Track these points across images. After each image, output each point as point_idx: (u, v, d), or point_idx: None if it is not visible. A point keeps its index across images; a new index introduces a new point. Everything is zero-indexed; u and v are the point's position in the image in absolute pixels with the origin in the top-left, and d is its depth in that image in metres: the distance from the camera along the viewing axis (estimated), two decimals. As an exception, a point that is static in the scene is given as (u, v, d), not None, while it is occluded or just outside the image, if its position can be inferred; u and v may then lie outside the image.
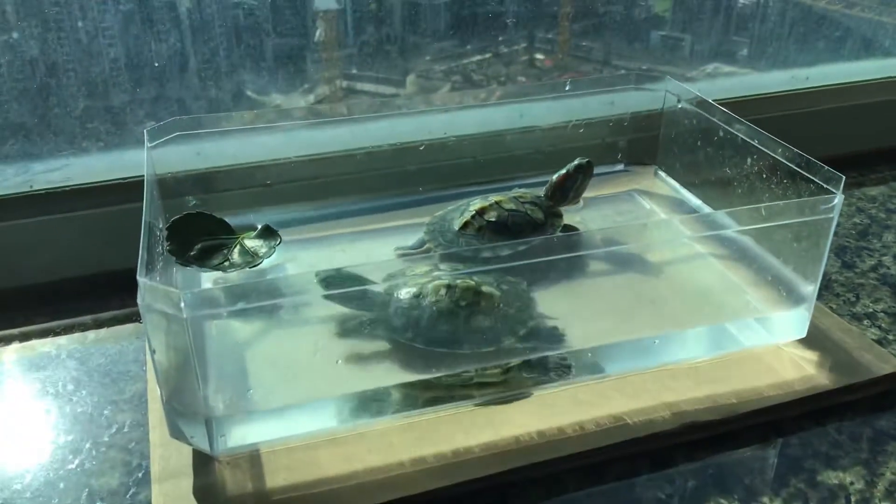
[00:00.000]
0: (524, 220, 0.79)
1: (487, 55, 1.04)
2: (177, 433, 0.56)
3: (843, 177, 0.64)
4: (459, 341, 0.65)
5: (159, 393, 0.55)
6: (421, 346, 0.64)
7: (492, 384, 0.64)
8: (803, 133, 1.03)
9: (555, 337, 0.67)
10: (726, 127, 0.78)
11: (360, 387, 0.60)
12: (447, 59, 1.02)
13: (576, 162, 0.84)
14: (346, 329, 0.64)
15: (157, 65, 0.83)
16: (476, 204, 0.80)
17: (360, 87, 0.99)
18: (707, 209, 0.85)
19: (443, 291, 0.66)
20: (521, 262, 0.61)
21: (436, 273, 0.68)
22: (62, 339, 0.75)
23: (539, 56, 1.07)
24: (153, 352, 0.53)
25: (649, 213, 0.87)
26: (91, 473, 0.60)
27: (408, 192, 0.88)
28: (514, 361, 0.65)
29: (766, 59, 1.10)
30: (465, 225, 0.78)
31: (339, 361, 0.60)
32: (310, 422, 0.59)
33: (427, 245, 0.79)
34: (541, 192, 0.84)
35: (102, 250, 0.81)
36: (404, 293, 0.67)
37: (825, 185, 0.66)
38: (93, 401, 0.68)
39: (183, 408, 0.54)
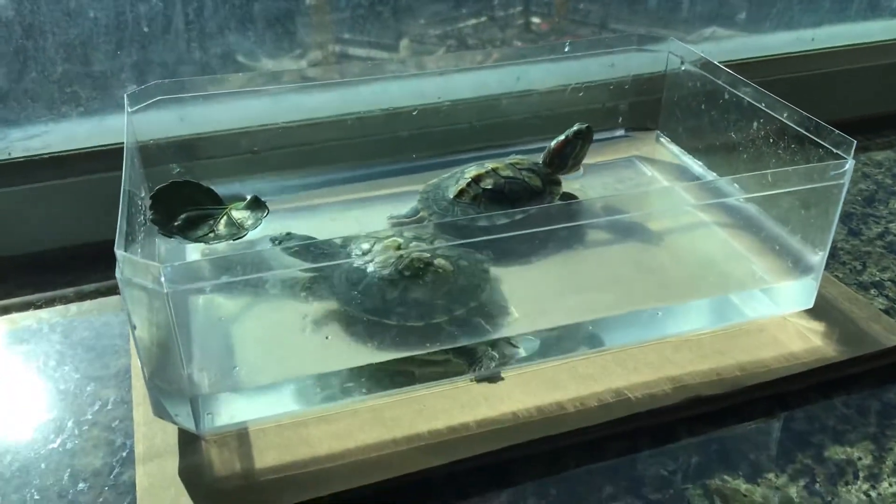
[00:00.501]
0: (521, 188, 0.76)
1: (483, 18, 1.00)
2: (161, 412, 0.54)
3: (854, 141, 0.62)
4: (389, 311, 0.61)
5: (141, 370, 0.52)
6: (353, 312, 0.61)
7: (433, 363, 0.61)
8: (808, 96, 1.00)
9: (481, 329, 0.63)
10: (731, 89, 0.75)
11: (350, 363, 0.58)
12: (442, 22, 0.98)
13: (575, 128, 0.81)
14: (300, 287, 0.62)
15: (139, 26, 0.79)
16: (471, 171, 0.77)
17: (352, 52, 0.95)
18: (711, 176, 0.82)
19: (392, 257, 0.64)
20: (518, 233, 0.58)
21: (397, 239, 0.65)
22: (43, 313, 0.73)
23: (535, 20, 1.04)
24: (133, 328, 0.50)
25: (651, 180, 0.84)
26: (73, 453, 0.58)
27: (401, 158, 0.86)
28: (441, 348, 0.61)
29: (771, 20, 1.07)
30: (461, 193, 0.75)
31: (329, 337, 0.58)
32: (299, 399, 0.57)
33: (421, 213, 0.76)
34: (538, 158, 0.81)
35: (85, 220, 0.79)
36: (355, 253, 0.64)
37: (835, 150, 0.63)
38: (75, 377, 0.65)
39: (166, 386, 0.52)
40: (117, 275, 0.49)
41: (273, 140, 0.82)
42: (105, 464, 0.57)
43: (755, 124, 0.73)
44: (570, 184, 0.82)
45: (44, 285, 0.76)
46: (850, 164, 0.60)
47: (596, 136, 0.89)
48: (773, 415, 0.62)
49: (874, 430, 0.61)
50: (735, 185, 0.63)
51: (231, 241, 0.70)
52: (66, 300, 0.74)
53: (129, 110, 0.71)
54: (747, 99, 0.73)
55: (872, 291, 0.75)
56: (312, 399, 0.57)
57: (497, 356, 0.61)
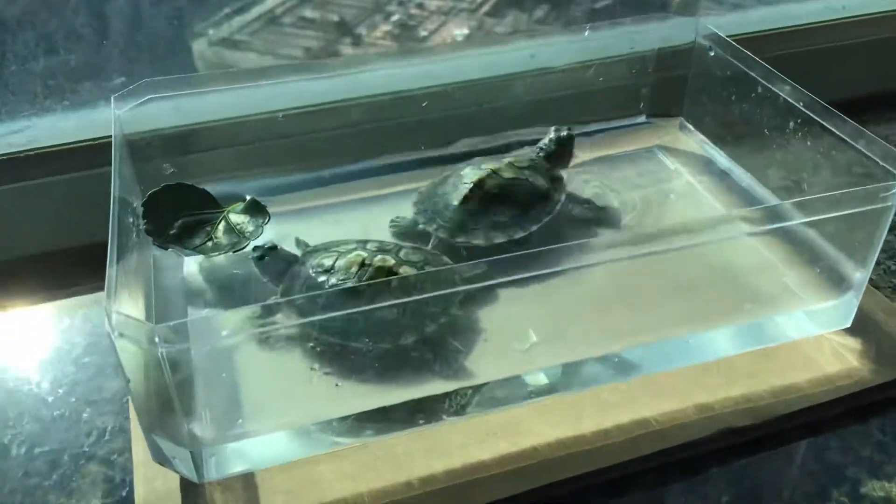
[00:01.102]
0: (528, 189, 0.71)
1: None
2: (160, 459, 0.51)
3: (904, 154, 0.57)
4: (355, 333, 0.56)
5: (139, 421, 0.49)
6: (314, 336, 0.57)
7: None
8: (838, 69, 0.95)
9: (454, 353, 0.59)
10: (766, 84, 0.70)
11: (360, 408, 0.54)
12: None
13: (564, 133, 0.76)
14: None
15: (123, 12, 0.74)
16: (471, 175, 0.72)
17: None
18: (737, 170, 0.77)
19: (354, 269, 0.60)
20: (529, 250, 0.53)
21: (361, 254, 0.62)
22: (31, 322, 0.69)
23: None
24: (128, 381, 0.47)
25: (674, 173, 0.79)
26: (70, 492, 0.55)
27: (408, 150, 0.80)
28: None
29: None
30: (466, 199, 0.70)
31: (339, 385, 0.54)
32: (306, 445, 0.53)
33: (421, 226, 0.70)
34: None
35: (74, 221, 0.74)
36: (314, 267, 0.62)
37: (881, 163, 0.58)
38: (70, 402, 0.62)
39: (165, 437, 0.49)
40: (107, 328, 0.44)
41: (272, 130, 0.77)
42: (104, 506, 0.54)
43: (791, 124, 0.68)
44: (587, 178, 0.78)
45: (28, 294, 0.72)
46: (899, 183, 0.56)
47: (616, 124, 0.84)
48: (808, 444, 0.59)
49: (914, 461, 0.58)
50: (794, 209, 0.57)
51: (231, 253, 0.66)
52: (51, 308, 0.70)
53: (118, 112, 0.65)
54: (783, 96, 0.68)
55: (909, 297, 0.71)
56: (320, 444, 0.54)
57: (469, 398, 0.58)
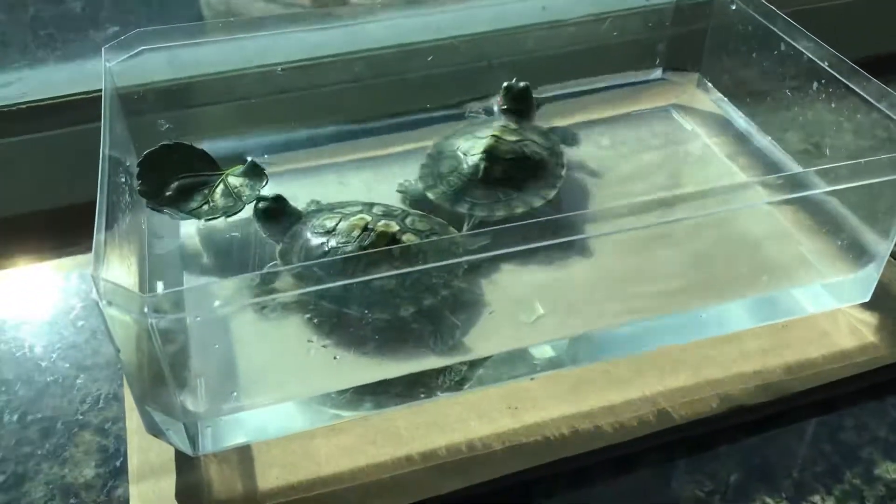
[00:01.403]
0: (539, 150, 0.68)
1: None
2: (154, 430, 0.49)
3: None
4: (352, 301, 0.54)
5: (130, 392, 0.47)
6: (312, 305, 0.55)
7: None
8: (864, 24, 0.91)
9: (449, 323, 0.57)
10: (789, 40, 0.66)
11: (359, 380, 0.52)
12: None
13: (520, 84, 0.73)
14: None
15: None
16: (477, 145, 0.68)
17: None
18: (756, 132, 0.74)
19: (355, 233, 0.58)
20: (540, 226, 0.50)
21: (365, 217, 0.60)
22: (25, 283, 0.67)
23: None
24: (117, 350, 0.45)
25: (690, 135, 0.76)
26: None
27: (414, 107, 0.77)
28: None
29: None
30: (486, 171, 0.66)
31: (337, 357, 0.52)
32: (304, 418, 0.52)
33: (433, 198, 0.67)
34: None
35: (71, 177, 0.71)
36: (315, 228, 0.59)
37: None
38: (64, 367, 0.60)
39: (158, 410, 0.47)
40: (94, 297, 0.43)
41: (272, 84, 0.74)
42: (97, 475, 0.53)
43: (815, 84, 0.65)
44: (599, 139, 0.75)
45: (25, 252, 0.70)
46: (930, 151, 0.53)
47: (631, 79, 0.81)
48: (821, 422, 0.57)
49: (930, 442, 0.56)
50: (816, 177, 0.54)
51: (226, 218, 0.64)
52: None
53: (109, 65, 0.63)
54: (807, 54, 0.64)
55: (929, 267, 0.68)
56: (319, 417, 0.52)
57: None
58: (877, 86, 0.59)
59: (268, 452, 0.52)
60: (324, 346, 0.53)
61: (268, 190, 0.65)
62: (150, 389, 0.46)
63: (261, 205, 0.63)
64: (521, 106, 0.73)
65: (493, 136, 0.67)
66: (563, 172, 0.68)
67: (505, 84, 0.73)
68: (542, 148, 0.69)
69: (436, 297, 0.56)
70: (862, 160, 0.52)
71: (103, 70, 0.62)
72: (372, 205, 0.63)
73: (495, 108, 0.75)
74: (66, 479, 0.53)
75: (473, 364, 0.55)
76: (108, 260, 0.47)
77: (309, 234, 0.60)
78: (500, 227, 0.49)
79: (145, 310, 0.41)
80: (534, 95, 0.75)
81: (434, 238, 0.60)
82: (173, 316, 0.42)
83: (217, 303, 0.43)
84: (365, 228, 0.59)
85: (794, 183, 0.56)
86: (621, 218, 0.53)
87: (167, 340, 0.43)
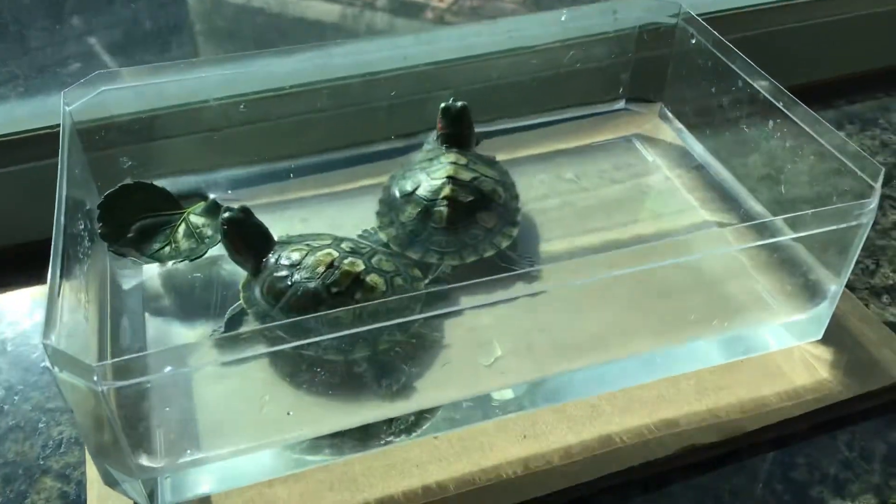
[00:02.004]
0: (492, 183, 0.68)
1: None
2: (112, 483, 0.50)
3: (882, 168, 0.55)
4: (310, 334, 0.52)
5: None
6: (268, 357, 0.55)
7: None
8: (827, 47, 0.92)
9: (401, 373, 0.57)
10: (746, 79, 0.67)
11: (314, 433, 0.53)
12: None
13: (458, 105, 0.71)
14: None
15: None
16: (434, 187, 0.66)
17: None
18: (714, 164, 0.75)
19: (320, 269, 0.58)
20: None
21: (332, 253, 0.60)
22: (-9, 326, 0.67)
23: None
24: (71, 411, 0.45)
25: (651, 167, 0.77)
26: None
27: (378, 139, 0.78)
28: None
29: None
30: (451, 219, 0.65)
31: (290, 413, 0.52)
32: (261, 471, 0.52)
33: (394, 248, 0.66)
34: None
35: (28, 214, 0.71)
36: (282, 258, 0.60)
37: (860, 173, 0.56)
38: (25, 410, 0.60)
39: (114, 466, 0.48)
40: (47, 363, 0.43)
41: (233, 118, 0.74)
42: (57, 526, 0.54)
43: (771, 123, 0.66)
44: (561, 171, 0.76)
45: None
46: (875, 200, 0.54)
47: (595, 110, 0.82)
48: (773, 459, 0.58)
49: (877, 479, 0.57)
50: (782, 224, 0.55)
51: (189, 261, 0.64)
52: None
53: (68, 108, 0.63)
54: (764, 93, 0.65)
55: (885, 298, 0.70)
56: (277, 467, 0.53)
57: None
58: (833, 134, 0.60)
59: (227, 500, 0.52)
60: (277, 402, 0.53)
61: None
62: (105, 449, 0.46)
63: (226, 214, 0.61)
64: (459, 129, 0.71)
65: (448, 177, 0.66)
66: (520, 205, 0.69)
67: (442, 105, 0.72)
68: (495, 181, 0.68)
69: (390, 343, 0.57)
70: (812, 210, 0.54)
71: (62, 113, 0.62)
72: (342, 240, 0.63)
73: (433, 136, 0.73)
74: (27, 528, 0.53)
75: (430, 409, 0.56)
76: (65, 310, 0.47)
77: (274, 265, 0.60)
78: (464, 284, 0.49)
79: (95, 378, 0.42)
80: (501, 126, 0.76)
81: (398, 279, 0.60)
82: (123, 383, 0.42)
83: (168, 368, 0.43)
84: (330, 265, 0.59)
85: (750, 232, 0.57)
86: (589, 269, 0.53)
87: (120, 404, 0.43)
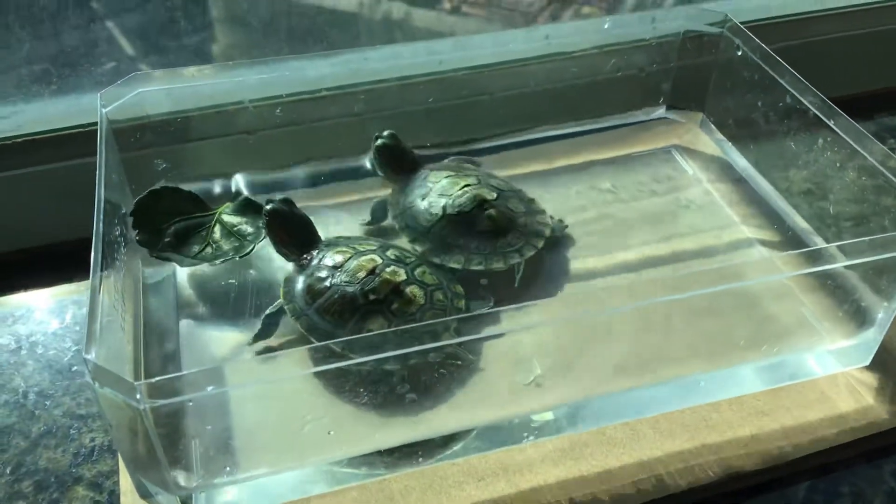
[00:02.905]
0: (514, 196, 0.68)
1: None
2: (146, 495, 0.49)
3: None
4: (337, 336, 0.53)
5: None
6: (303, 329, 0.57)
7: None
8: (838, 61, 0.90)
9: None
10: (795, 93, 0.66)
11: (354, 452, 0.52)
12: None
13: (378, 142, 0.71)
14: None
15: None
16: (462, 196, 0.66)
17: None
18: (757, 177, 0.74)
19: (361, 274, 0.58)
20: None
21: (375, 259, 0.59)
22: (20, 326, 0.67)
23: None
24: (109, 426, 0.44)
25: (691, 179, 0.75)
26: (56, 520, 0.54)
27: (415, 142, 0.76)
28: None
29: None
30: (493, 227, 0.65)
31: (332, 432, 0.51)
32: (299, 489, 0.51)
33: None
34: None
35: (65, 213, 0.71)
36: (324, 258, 0.59)
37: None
38: (57, 416, 0.60)
39: (151, 481, 0.47)
40: (88, 378, 0.42)
41: (270, 119, 0.73)
42: (90, 537, 0.53)
43: (820, 141, 0.64)
44: (598, 182, 0.74)
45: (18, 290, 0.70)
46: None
47: (635, 119, 0.80)
48: (817, 488, 0.57)
49: (925, 512, 0.56)
50: (837, 251, 0.54)
51: (239, 259, 0.63)
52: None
53: (104, 110, 0.62)
54: (812, 109, 0.64)
55: (930, 321, 0.68)
56: (314, 486, 0.52)
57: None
58: (883, 151, 0.58)
59: (262, 517, 0.52)
60: (318, 421, 0.52)
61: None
62: (142, 463, 0.46)
63: (269, 206, 0.61)
64: (400, 156, 0.71)
65: (466, 184, 0.67)
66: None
67: (378, 140, 0.71)
68: (516, 194, 0.69)
69: (434, 363, 0.56)
70: (879, 236, 0.52)
71: (99, 115, 0.61)
72: (388, 247, 0.62)
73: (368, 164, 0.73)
74: (60, 538, 0.53)
75: (468, 429, 0.55)
76: (103, 320, 0.47)
77: (316, 265, 0.60)
78: (507, 308, 0.49)
79: (138, 396, 0.41)
80: (536, 135, 0.75)
81: (438, 293, 0.59)
82: (165, 402, 0.41)
83: (210, 388, 0.42)
84: (372, 272, 0.58)
85: (812, 257, 0.55)
86: (634, 294, 0.53)
87: (159, 423, 0.43)
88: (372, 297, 0.57)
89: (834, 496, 0.56)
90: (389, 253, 0.61)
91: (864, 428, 0.58)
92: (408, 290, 0.58)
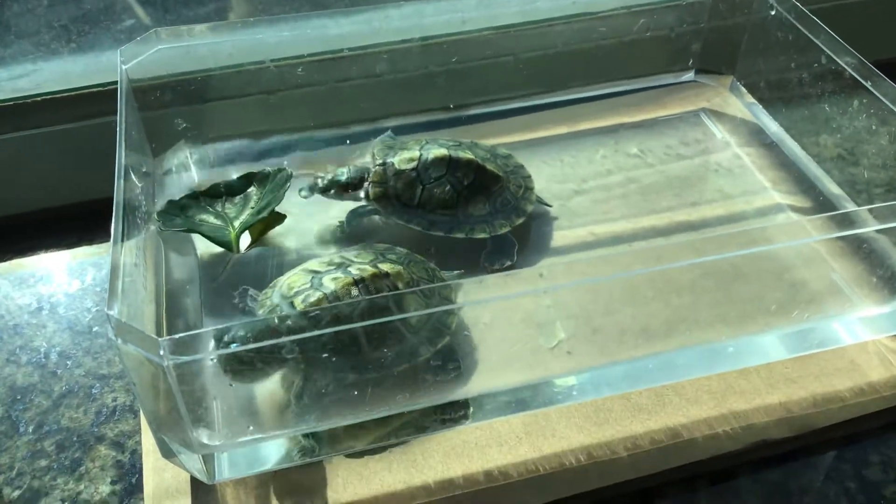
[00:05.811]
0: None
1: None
2: (169, 456, 0.49)
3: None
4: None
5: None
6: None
7: None
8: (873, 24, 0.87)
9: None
10: (831, 54, 0.64)
11: (370, 415, 0.51)
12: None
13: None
14: None
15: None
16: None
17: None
18: (788, 141, 0.72)
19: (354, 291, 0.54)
20: None
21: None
22: (41, 286, 0.67)
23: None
24: (133, 384, 0.44)
25: (720, 143, 0.74)
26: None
27: (437, 105, 0.75)
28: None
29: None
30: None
31: (356, 392, 0.51)
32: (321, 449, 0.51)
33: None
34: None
35: (84, 173, 0.70)
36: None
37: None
38: (79, 375, 0.60)
39: (174, 440, 0.47)
40: (110, 335, 0.42)
41: (292, 79, 0.71)
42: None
43: (856, 103, 0.62)
44: (626, 146, 0.73)
45: (42, 247, 0.69)
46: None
47: (663, 81, 0.78)
48: (846, 457, 0.56)
49: (958, 483, 0.55)
50: (868, 215, 0.53)
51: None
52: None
53: (124, 66, 0.61)
54: (850, 71, 0.62)
55: (963, 290, 0.66)
56: (335, 447, 0.52)
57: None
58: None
59: (285, 477, 0.51)
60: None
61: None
62: (165, 422, 0.45)
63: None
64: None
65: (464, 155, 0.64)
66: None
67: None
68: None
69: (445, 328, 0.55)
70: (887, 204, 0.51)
71: (119, 71, 0.60)
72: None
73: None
74: (83, 496, 0.53)
75: (488, 395, 0.54)
76: (125, 279, 0.46)
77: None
78: (526, 269, 0.48)
79: (161, 352, 0.40)
80: (562, 97, 0.73)
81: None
82: (189, 358, 0.41)
83: (234, 346, 0.42)
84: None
85: (843, 220, 0.54)
86: (664, 256, 0.51)
87: (183, 380, 0.42)
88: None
89: (863, 465, 0.55)
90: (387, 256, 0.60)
91: (894, 397, 0.57)
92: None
